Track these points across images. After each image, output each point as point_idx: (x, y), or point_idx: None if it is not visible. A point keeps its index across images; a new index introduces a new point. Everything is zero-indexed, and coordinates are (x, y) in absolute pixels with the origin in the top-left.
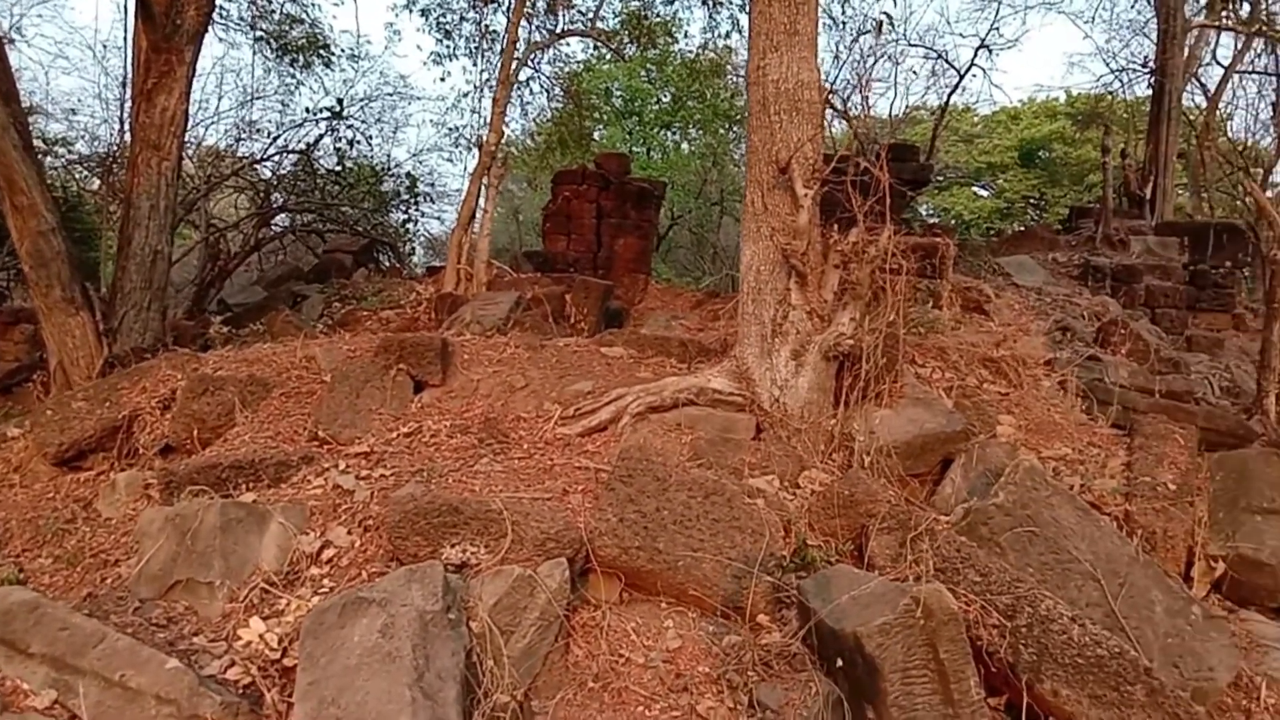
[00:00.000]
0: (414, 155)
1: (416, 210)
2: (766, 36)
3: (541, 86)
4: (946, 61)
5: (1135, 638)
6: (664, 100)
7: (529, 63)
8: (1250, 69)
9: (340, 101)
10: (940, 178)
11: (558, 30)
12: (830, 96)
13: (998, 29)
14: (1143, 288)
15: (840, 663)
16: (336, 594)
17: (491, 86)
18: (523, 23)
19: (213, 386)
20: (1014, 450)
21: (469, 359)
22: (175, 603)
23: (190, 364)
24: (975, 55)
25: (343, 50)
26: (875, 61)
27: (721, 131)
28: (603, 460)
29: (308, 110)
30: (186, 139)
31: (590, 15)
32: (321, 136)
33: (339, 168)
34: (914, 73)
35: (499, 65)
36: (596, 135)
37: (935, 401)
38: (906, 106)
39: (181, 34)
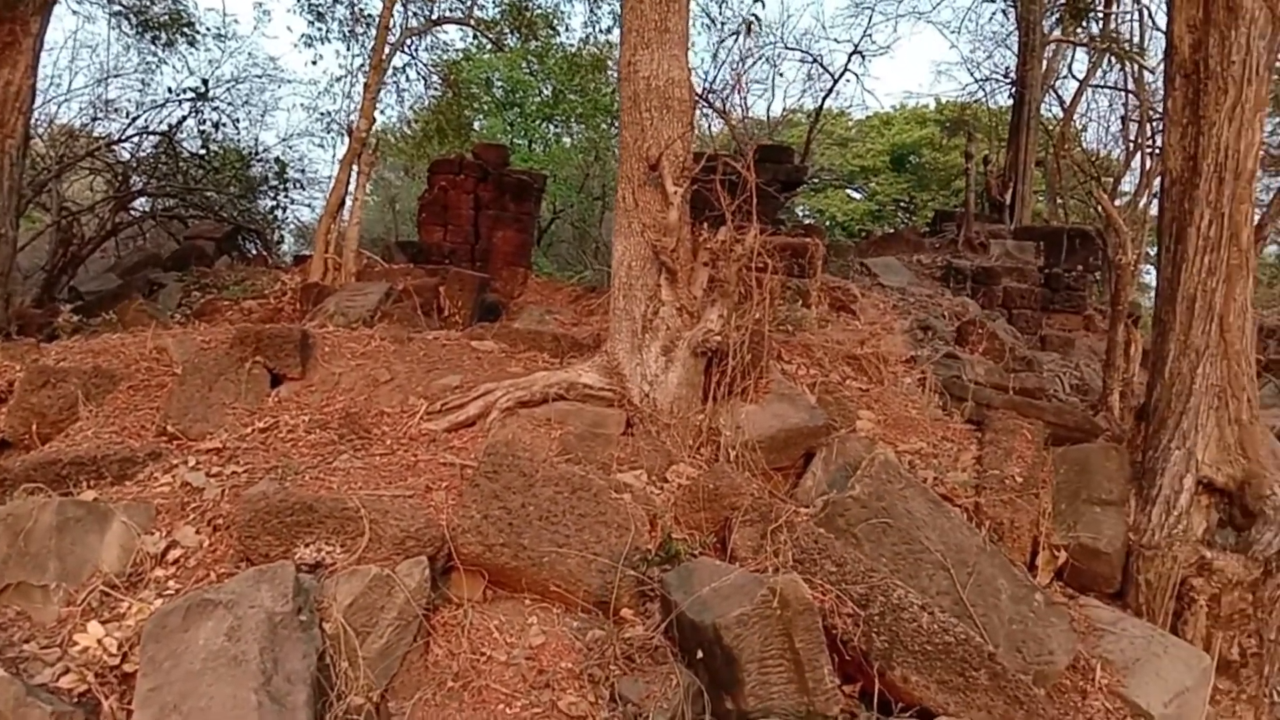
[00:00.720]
0: (284, 140)
1: (285, 197)
2: (638, 33)
3: (419, 74)
4: (821, 66)
5: (982, 624)
6: (545, 93)
7: (405, 49)
8: (1102, 83)
9: (205, 82)
10: (816, 180)
11: (434, 17)
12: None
13: (870, 36)
14: (1001, 289)
15: (700, 654)
16: (182, 596)
17: (366, 71)
18: (399, 8)
19: (54, 378)
20: (872, 444)
21: (331, 352)
22: (6, 608)
23: (30, 354)
24: (849, 60)
25: (208, 29)
26: (753, 63)
27: (603, 126)
28: (469, 456)
29: (170, 90)
30: (36, 116)
31: (469, 4)
32: (185, 118)
33: (203, 151)
34: (780, 74)
35: (372, 50)
36: (477, 125)
37: (800, 397)
38: (784, 109)
39: (27, 3)
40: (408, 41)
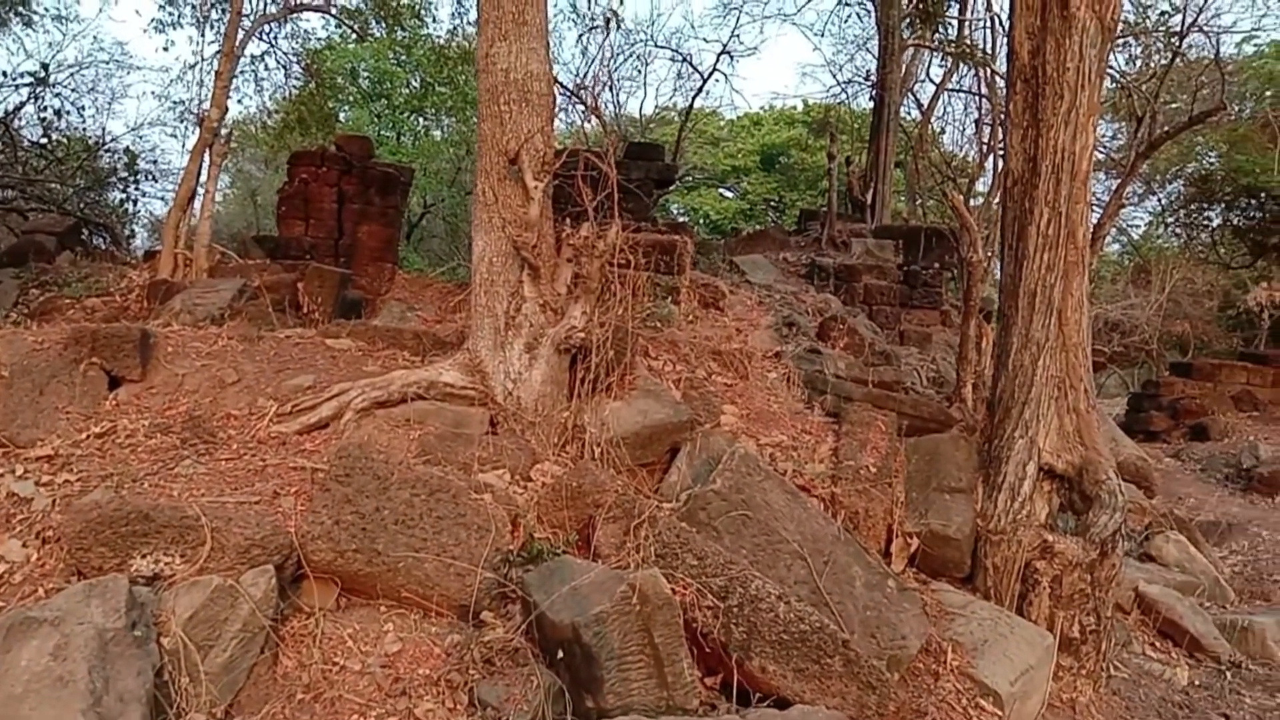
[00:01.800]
0: (134, 130)
1: (136, 189)
2: (495, 25)
3: (279, 62)
4: (691, 65)
5: (838, 612)
6: (414, 84)
7: (263, 36)
8: (958, 88)
9: (45, 66)
10: (689, 178)
11: (292, 3)
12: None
13: (738, 36)
14: (862, 286)
15: (561, 654)
16: (3, 615)
17: (219, 59)
18: None
19: None
20: (735, 438)
21: (175, 352)
22: None
23: None
24: (717, 60)
25: (46, 10)
26: (623, 60)
27: (474, 120)
28: (321, 459)
29: (4, 74)
30: None
31: None
32: (23, 104)
33: (45, 140)
34: (638, 70)
35: (225, 36)
36: (342, 117)
37: (665, 393)
38: (656, 107)
39: None
40: (266, 29)
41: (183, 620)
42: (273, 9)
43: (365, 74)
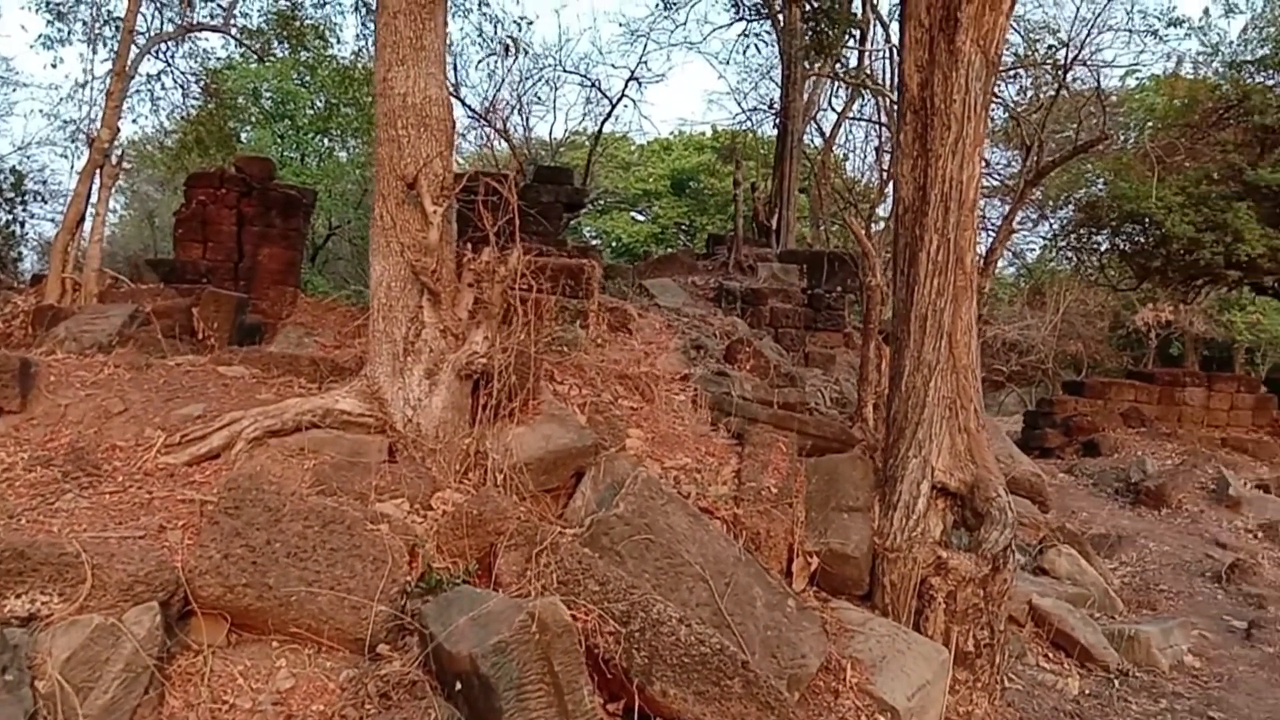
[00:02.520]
0: (20, 149)
1: (24, 210)
2: (393, 49)
3: (176, 81)
4: (599, 90)
5: (739, 633)
6: (318, 105)
7: (158, 55)
8: (859, 116)
9: None
10: (600, 202)
11: (187, 23)
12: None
13: (646, 63)
14: (768, 309)
15: (459, 686)
16: None
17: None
18: (149, 10)
19: None
20: (640, 462)
21: (58, 381)
22: None
23: None
24: (626, 86)
25: None
26: (532, 84)
27: None
28: (211, 491)
29: None
30: None
31: (227, 9)
32: None
33: None
34: (537, 97)
35: (116, 54)
36: (244, 137)
37: (570, 417)
38: (567, 131)
39: None
40: (162, 47)
41: (60, 662)
42: (169, 28)
43: (268, 94)
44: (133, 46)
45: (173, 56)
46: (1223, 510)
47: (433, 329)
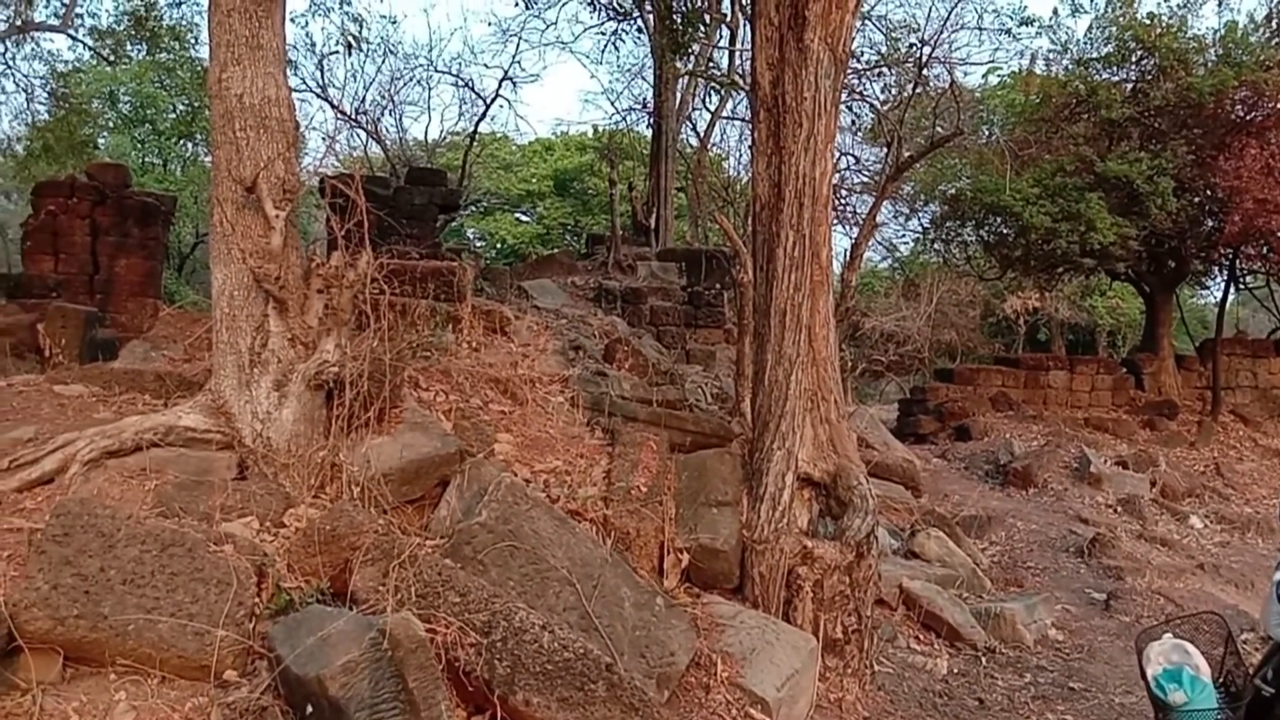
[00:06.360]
0: None
1: None
2: (228, 48)
3: (18, 85)
4: (473, 90)
5: (607, 635)
6: (180, 108)
7: None
8: (732, 116)
9: None
10: (483, 203)
11: (20, 23)
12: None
13: (519, 63)
14: (648, 308)
15: (310, 709)
16: None
17: None
18: None
19: None
20: (508, 468)
21: None
22: None
23: None
24: (500, 86)
25: None
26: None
27: None
28: (42, 519)
29: None
30: None
31: (67, 7)
32: None
33: None
34: (420, 94)
35: None
36: (101, 143)
37: (433, 425)
38: (443, 131)
39: None
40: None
41: None
42: (1, 27)
43: (126, 98)
44: None
45: (14, 58)
46: (1085, 487)
47: (280, 338)
